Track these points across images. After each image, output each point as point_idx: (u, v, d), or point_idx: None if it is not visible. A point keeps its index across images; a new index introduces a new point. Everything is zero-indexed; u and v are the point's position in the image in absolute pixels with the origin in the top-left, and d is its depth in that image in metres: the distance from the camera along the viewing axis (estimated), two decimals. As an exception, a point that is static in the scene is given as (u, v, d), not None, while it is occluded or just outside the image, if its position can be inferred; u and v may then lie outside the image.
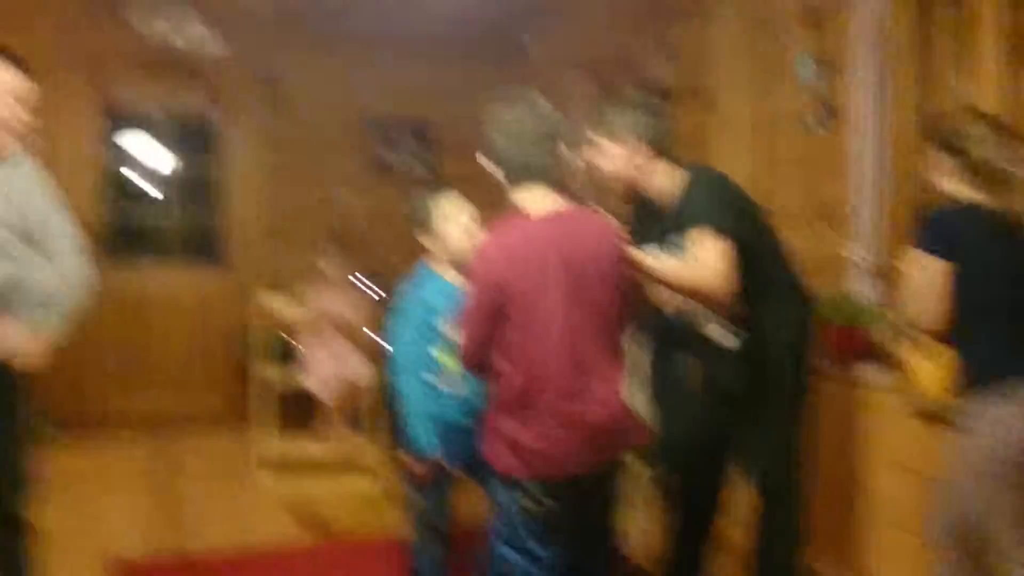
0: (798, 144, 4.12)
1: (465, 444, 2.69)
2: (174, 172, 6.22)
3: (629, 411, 2.14)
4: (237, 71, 5.93)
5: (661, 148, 2.60)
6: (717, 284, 2.42)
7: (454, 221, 2.73)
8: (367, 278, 5.34)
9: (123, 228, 6.38)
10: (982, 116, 2.61)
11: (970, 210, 2.43)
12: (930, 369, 3.11)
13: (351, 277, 4.87)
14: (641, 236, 2.76)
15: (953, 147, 2.46)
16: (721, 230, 2.47)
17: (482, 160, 2.13)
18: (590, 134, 2.62)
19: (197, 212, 6.33)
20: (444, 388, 2.70)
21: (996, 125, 2.49)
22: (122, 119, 6.08)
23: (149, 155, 6.21)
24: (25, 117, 2.45)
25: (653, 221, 2.71)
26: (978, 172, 2.41)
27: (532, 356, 2.02)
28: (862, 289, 3.66)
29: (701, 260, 2.43)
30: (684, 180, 2.63)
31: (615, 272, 2.10)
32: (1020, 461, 2.32)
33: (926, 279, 2.41)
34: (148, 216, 6.23)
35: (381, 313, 5.13)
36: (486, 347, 2.07)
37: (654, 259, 2.38)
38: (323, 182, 6.09)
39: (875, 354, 3.55)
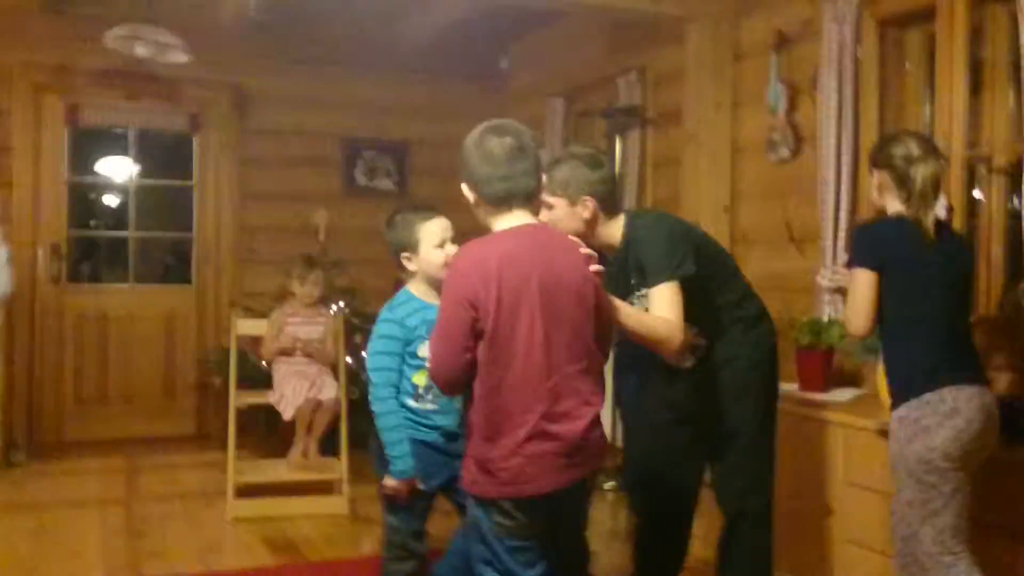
0: (768, 168, 4.18)
1: (443, 467, 2.70)
2: (142, 189, 6.18)
3: (602, 430, 2.14)
4: (208, 88, 5.90)
5: (605, 200, 2.64)
6: (675, 338, 2.50)
7: (438, 244, 2.72)
8: (340, 299, 5.32)
9: (88, 246, 6.34)
10: (911, 134, 2.76)
11: (897, 222, 2.58)
12: (897, 390, 3.16)
13: (324, 298, 4.84)
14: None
15: (882, 163, 2.62)
16: (679, 276, 2.55)
17: (463, 187, 2.12)
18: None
19: (166, 230, 6.29)
20: (422, 410, 2.70)
21: (923, 142, 2.63)
22: (89, 136, 6.05)
23: (117, 172, 6.17)
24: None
25: (608, 267, 2.75)
26: (904, 186, 2.56)
27: (504, 374, 2.01)
28: (831, 311, 3.71)
29: (662, 315, 2.51)
30: (628, 227, 2.69)
31: (589, 290, 2.10)
32: (942, 466, 2.42)
33: (858, 290, 2.56)
34: (115, 234, 6.18)
35: (352, 333, 5.12)
36: (456, 364, 2.07)
37: (621, 304, 2.44)
38: (296, 201, 6.06)
39: (843, 374, 3.60)
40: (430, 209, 2.79)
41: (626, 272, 2.68)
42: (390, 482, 2.67)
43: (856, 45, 3.69)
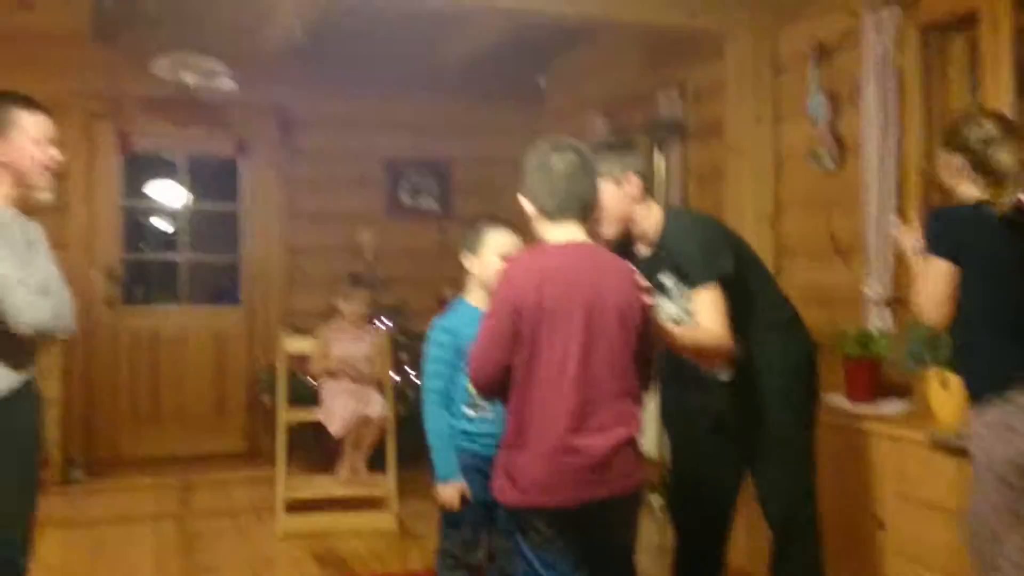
0: (810, 178, 4.15)
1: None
2: (192, 213, 6.32)
3: (635, 452, 2.13)
4: (253, 112, 6.02)
5: (644, 179, 2.68)
6: (725, 345, 2.55)
7: (499, 253, 2.76)
8: (386, 317, 5.38)
9: (142, 269, 6.48)
10: (989, 114, 2.60)
11: (975, 209, 2.42)
12: (947, 400, 3.12)
13: (370, 316, 4.90)
14: None
15: (958, 145, 2.45)
16: (719, 276, 2.58)
17: (520, 198, 2.18)
18: None
19: (215, 253, 6.42)
20: (478, 419, 2.74)
21: (1002, 123, 2.47)
22: (142, 162, 6.20)
23: (167, 196, 6.32)
24: (59, 157, 2.51)
25: (633, 263, 2.77)
26: (983, 170, 2.39)
27: (539, 385, 2.03)
28: (877, 322, 3.67)
29: (711, 323, 2.54)
30: (665, 221, 2.71)
31: (635, 313, 2.12)
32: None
33: (932, 279, 2.42)
34: (167, 257, 6.33)
35: (398, 351, 5.17)
36: (495, 367, 2.10)
37: (673, 327, 2.52)
38: (341, 222, 6.15)
39: (891, 386, 3.55)
40: (504, 221, 2.83)
41: (655, 265, 2.69)
42: (441, 489, 2.72)
43: (898, 53, 3.66)
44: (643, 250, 2.76)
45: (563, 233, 2.14)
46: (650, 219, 2.71)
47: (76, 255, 5.63)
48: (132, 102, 5.76)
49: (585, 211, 2.16)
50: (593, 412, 2.04)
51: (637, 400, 2.15)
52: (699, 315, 2.57)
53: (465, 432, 2.76)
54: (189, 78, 5.13)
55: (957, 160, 2.46)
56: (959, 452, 2.85)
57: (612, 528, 2.19)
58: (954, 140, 2.48)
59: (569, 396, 2.03)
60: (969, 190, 2.45)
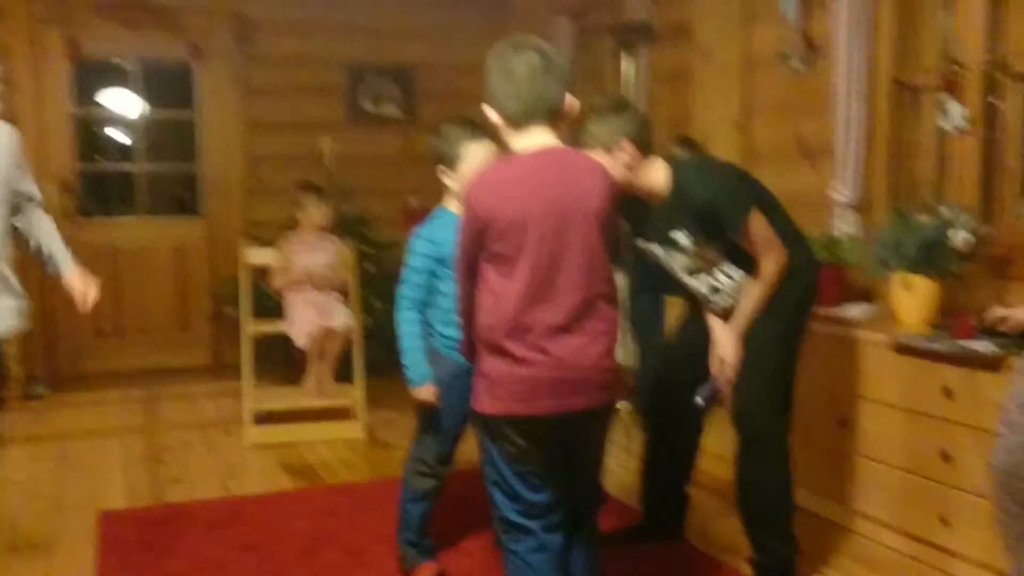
0: (780, 81, 4.09)
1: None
2: (148, 122, 6.13)
3: (612, 355, 2.09)
4: (208, 16, 5.81)
5: (639, 141, 2.61)
6: (780, 262, 2.64)
7: (477, 163, 2.67)
8: (348, 226, 5.30)
9: (97, 181, 6.31)
10: None
11: None
12: (910, 303, 3.15)
13: (329, 224, 4.82)
14: (637, 234, 2.80)
15: None
16: (754, 204, 2.60)
17: (485, 108, 2.08)
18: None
19: (173, 162, 6.26)
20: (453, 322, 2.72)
21: None
22: (93, 69, 5.97)
23: (121, 105, 6.11)
24: None
25: (643, 218, 2.73)
26: None
27: (508, 291, 1.99)
28: (842, 226, 3.67)
29: (766, 245, 2.62)
30: (673, 176, 2.66)
31: (604, 211, 2.05)
32: None
33: None
34: (123, 168, 6.17)
35: (363, 262, 5.12)
36: (475, 289, 2.07)
37: (746, 306, 2.64)
38: (301, 130, 6.00)
39: (856, 290, 3.58)
40: (480, 129, 2.71)
41: (669, 220, 2.67)
42: (416, 393, 2.73)
43: (871, -50, 3.57)
44: (652, 207, 2.72)
45: (530, 140, 2.04)
46: (653, 177, 2.66)
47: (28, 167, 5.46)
48: (80, 5, 5.52)
49: (552, 114, 2.05)
50: (570, 318, 2.00)
51: (614, 303, 2.10)
52: (757, 244, 2.62)
53: (454, 339, 2.73)
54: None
55: None
56: (921, 354, 2.89)
57: (586, 439, 2.19)
58: None
59: (542, 303, 1.99)
60: None
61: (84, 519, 3.41)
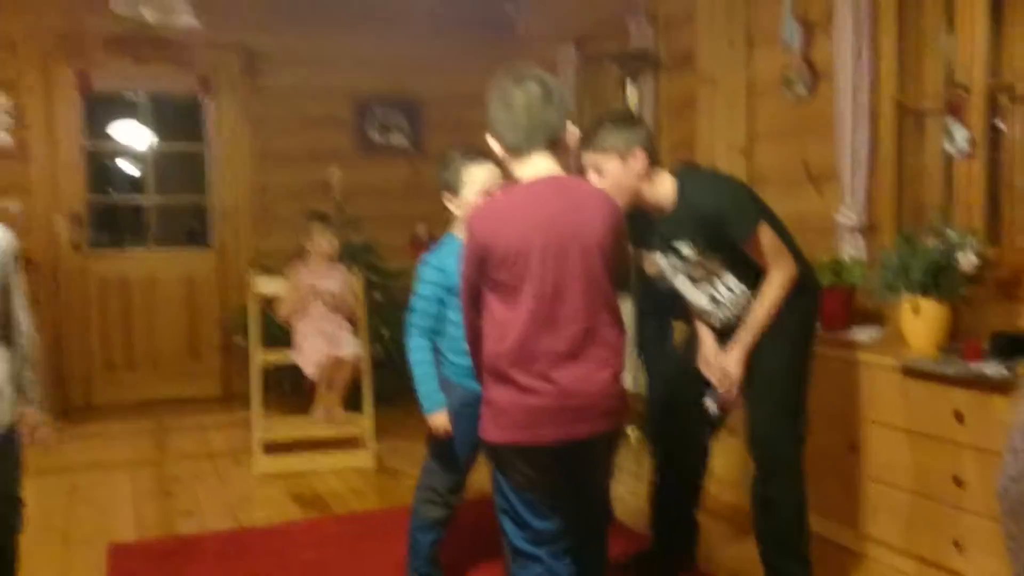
0: (784, 107, 4.11)
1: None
2: (158, 155, 6.18)
3: (618, 381, 2.09)
4: (217, 49, 5.87)
5: (650, 152, 2.64)
6: (791, 273, 2.67)
7: (481, 190, 2.68)
8: (357, 256, 5.32)
9: (108, 213, 6.37)
10: None
11: None
12: (919, 326, 3.14)
13: (337, 253, 4.83)
14: (640, 244, 2.83)
15: None
16: (762, 218, 2.63)
17: (488, 138, 2.10)
18: (588, 157, 2.64)
19: (182, 194, 6.31)
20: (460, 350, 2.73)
21: None
22: (104, 103, 6.04)
23: (131, 138, 6.17)
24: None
25: (648, 229, 2.75)
26: None
27: (512, 320, 2.00)
28: (850, 250, 3.67)
29: (775, 257, 2.64)
30: (679, 186, 2.68)
31: (608, 238, 2.05)
32: None
33: None
34: (133, 200, 6.22)
35: (371, 290, 5.13)
36: (479, 317, 2.08)
37: (756, 315, 2.64)
38: (310, 161, 6.05)
39: (865, 313, 3.57)
40: (483, 154, 2.71)
41: (674, 230, 2.68)
42: (431, 420, 2.72)
43: (872, -24, 3.60)
44: (656, 217, 2.74)
45: (532, 168, 2.06)
46: (661, 189, 2.68)
47: (39, 200, 5.53)
48: (91, 40, 5.59)
49: (553, 143, 2.06)
50: (575, 346, 2.00)
51: (619, 329, 2.10)
52: (766, 255, 2.64)
53: (465, 367, 2.72)
54: (148, 14, 4.96)
55: None
56: (930, 377, 2.88)
57: (592, 467, 2.18)
58: None
59: (548, 332, 1.99)
60: None
61: (94, 552, 3.40)
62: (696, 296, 2.77)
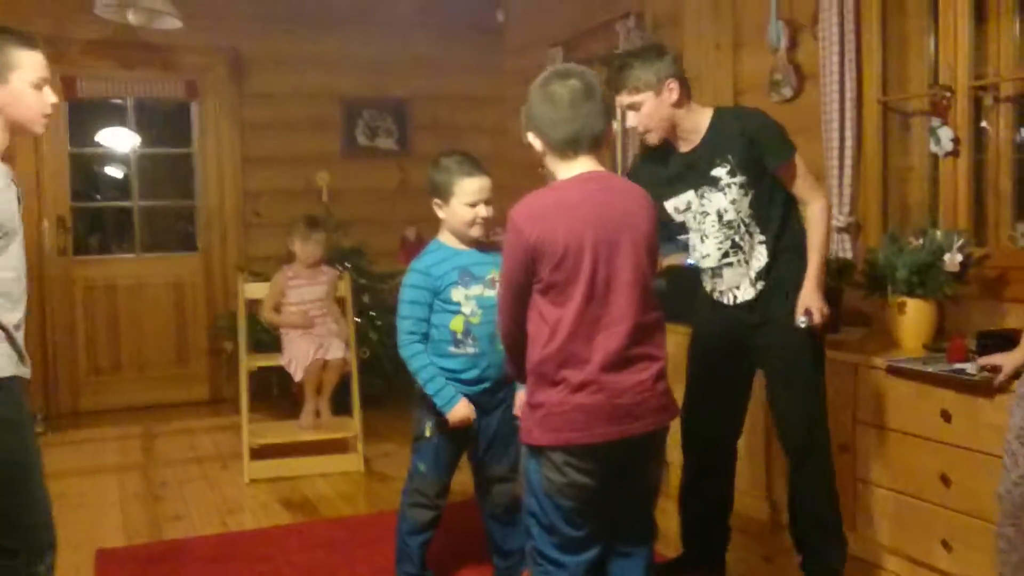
0: (770, 108, 4.10)
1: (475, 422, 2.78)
2: (144, 159, 6.16)
3: (664, 378, 2.06)
4: (204, 54, 5.85)
5: (683, 81, 2.66)
6: (827, 205, 2.75)
7: (470, 202, 2.70)
8: (345, 259, 5.32)
9: (95, 218, 6.34)
10: None
11: None
12: (907, 326, 3.15)
13: (324, 258, 4.83)
14: (666, 193, 2.78)
15: None
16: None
17: (528, 136, 2.09)
18: (621, 99, 2.65)
19: (169, 199, 6.28)
20: (463, 356, 2.73)
21: None
22: (90, 108, 6.01)
23: (118, 142, 6.15)
24: (55, 100, 2.28)
25: (676, 171, 2.76)
26: None
27: (562, 320, 1.97)
28: (837, 249, 3.68)
29: (808, 183, 2.73)
30: (716, 117, 2.72)
31: (651, 234, 2.06)
32: None
33: None
34: (119, 204, 6.19)
35: (360, 293, 5.13)
36: (516, 313, 2.05)
37: (816, 257, 2.67)
38: (297, 164, 6.03)
39: (852, 313, 3.58)
40: (476, 164, 2.75)
41: (711, 157, 2.68)
42: (453, 416, 2.72)
43: (857, -22, 3.61)
44: (684, 146, 2.74)
45: (576, 166, 2.04)
46: (697, 118, 2.70)
47: (25, 205, 5.46)
48: (76, 44, 5.56)
49: (596, 140, 2.04)
50: (623, 345, 1.98)
51: (662, 328, 2.09)
52: (799, 182, 2.70)
53: (448, 370, 2.74)
54: (133, 18, 4.93)
55: None
56: (914, 377, 2.89)
57: (644, 464, 2.13)
58: None
59: (596, 331, 1.97)
60: None
61: (82, 557, 3.38)
62: (718, 242, 2.74)
